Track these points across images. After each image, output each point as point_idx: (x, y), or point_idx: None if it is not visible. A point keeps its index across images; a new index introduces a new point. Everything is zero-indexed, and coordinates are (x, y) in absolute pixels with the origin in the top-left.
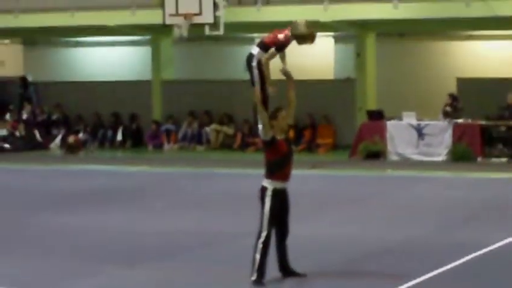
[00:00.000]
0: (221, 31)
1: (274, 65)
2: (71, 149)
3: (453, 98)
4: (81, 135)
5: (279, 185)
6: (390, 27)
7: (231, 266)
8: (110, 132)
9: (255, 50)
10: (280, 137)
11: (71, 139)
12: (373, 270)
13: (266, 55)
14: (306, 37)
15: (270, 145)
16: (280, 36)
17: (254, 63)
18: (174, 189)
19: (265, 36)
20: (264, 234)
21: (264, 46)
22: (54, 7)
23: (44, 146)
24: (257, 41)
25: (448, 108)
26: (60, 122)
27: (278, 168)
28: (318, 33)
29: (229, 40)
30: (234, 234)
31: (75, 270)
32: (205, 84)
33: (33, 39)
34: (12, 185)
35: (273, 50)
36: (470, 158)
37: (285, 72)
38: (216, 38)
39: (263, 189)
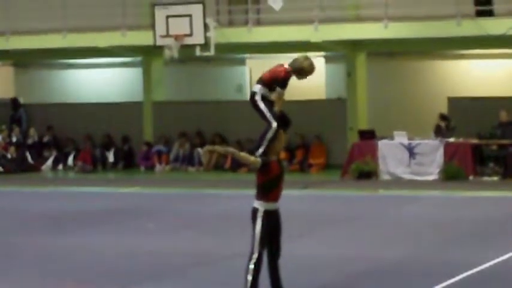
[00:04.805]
0: (212, 52)
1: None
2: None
3: (444, 117)
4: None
5: (270, 206)
6: (381, 47)
7: (225, 286)
8: (100, 153)
9: (256, 87)
10: (273, 158)
11: (80, 164)
12: None
13: (275, 94)
14: (305, 70)
15: (263, 167)
16: (280, 71)
17: (258, 97)
18: (166, 210)
19: (264, 73)
20: (255, 255)
21: (263, 83)
22: (45, 29)
23: (35, 168)
24: (257, 80)
25: (442, 124)
26: (51, 144)
27: (269, 189)
28: (309, 54)
29: (220, 61)
30: (227, 255)
31: None
32: (197, 105)
33: (24, 61)
34: (4, 207)
35: (279, 90)
36: (462, 177)
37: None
38: (207, 59)
39: (254, 211)
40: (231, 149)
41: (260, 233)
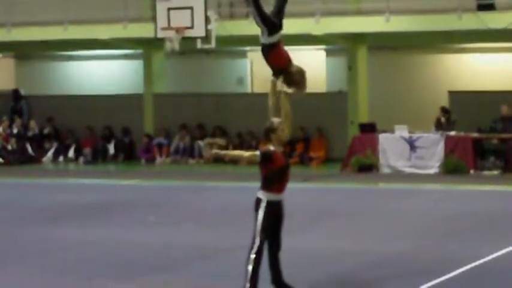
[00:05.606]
0: (213, 44)
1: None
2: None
3: (444, 111)
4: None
5: (273, 197)
6: (382, 41)
7: (225, 278)
8: (100, 145)
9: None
10: (278, 149)
11: (87, 151)
12: (364, 284)
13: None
14: (294, 79)
15: (267, 158)
16: (283, 63)
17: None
18: (166, 203)
19: (285, 49)
20: (256, 245)
21: (273, 46)
22: (47, 21)
23: (36, 159)
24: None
25: (443, 118)
26: (52, 136)
27: (274, 181)
28: (310, 47)
29: (221, 53)
30: (228, 247)
31: (72, 285)
32: (197, 98)
33: (25, 53)
34: (4, 199)
35: (273, 78)
36: (463, 170)
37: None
38: (208, 52)
39: (258, 201)
40: (223, 152)
41: (262, 223)
